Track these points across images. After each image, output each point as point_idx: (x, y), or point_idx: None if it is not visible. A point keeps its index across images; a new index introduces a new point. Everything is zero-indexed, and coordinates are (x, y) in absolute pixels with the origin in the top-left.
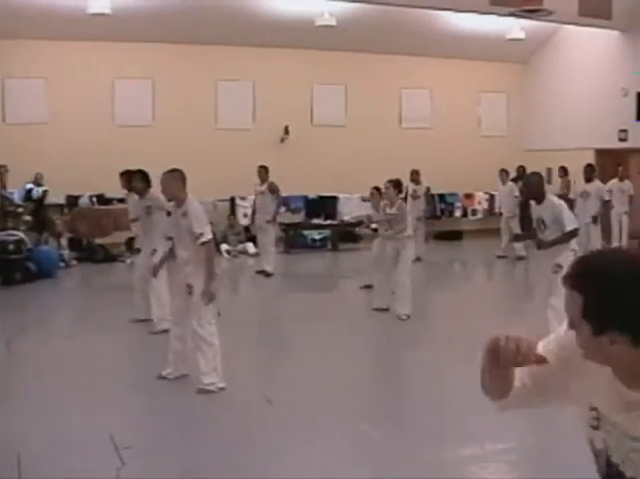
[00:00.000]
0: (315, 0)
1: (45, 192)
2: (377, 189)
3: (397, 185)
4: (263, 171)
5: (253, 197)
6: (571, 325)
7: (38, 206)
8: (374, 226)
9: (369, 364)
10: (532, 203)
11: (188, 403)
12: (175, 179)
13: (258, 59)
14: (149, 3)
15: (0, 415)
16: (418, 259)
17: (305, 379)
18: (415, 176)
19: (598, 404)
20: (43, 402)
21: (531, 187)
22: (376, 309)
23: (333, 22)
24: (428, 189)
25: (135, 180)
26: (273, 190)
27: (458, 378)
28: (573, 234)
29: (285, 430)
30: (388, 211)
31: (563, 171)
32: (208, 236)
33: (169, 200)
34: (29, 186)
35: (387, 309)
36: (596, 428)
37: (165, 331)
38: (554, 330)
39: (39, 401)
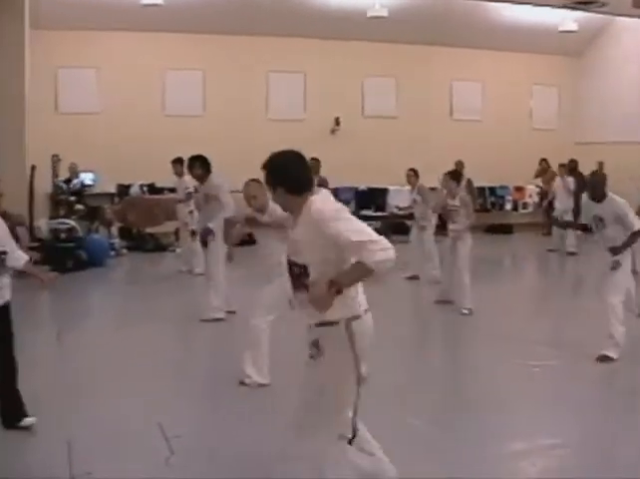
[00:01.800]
0: None
1: (84, 185)
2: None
3: (456, 176)
4: (315, 163)
5: None
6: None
7: (79, 196)
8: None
9: (419, 358)
10: (588, 200)
11: (239, 392)
12: (263, 188)
13: (309, 50)
14: None
15: (50, 403)
16: None
17: None
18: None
19: None
20: (93, 391)
21: (596, 186)
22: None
23: (385, 13)
24: (469, 181)
25: (195, 166)
26: (321, 183)
27: (508, 374)
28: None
29: None
30: (449, 202)
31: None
32: None
33: (259, 210)
34: (63, 178)
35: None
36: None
37: (218, 320)
38: (615, 330)
39: (89, 390)
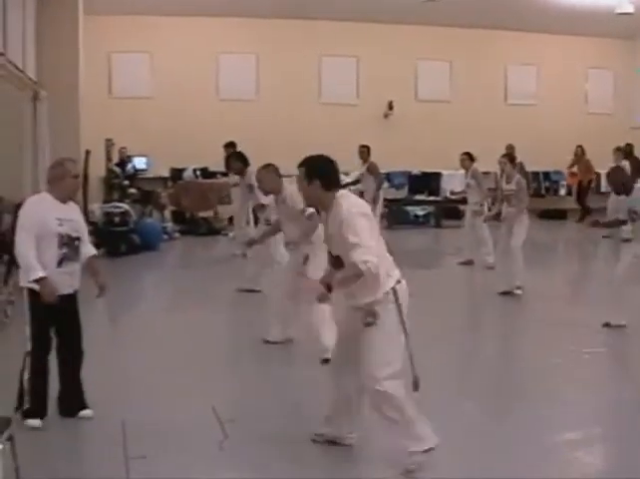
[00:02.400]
0: None
1: (137, 169)
2: (507, 155)
3: (512, 159)
4: (365, 150)
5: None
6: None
7: (132, 180)
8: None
9: (471, 344)
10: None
11: (291, 374)
12: (270, 172)
13: (362, 34)
14: None
15: (105, 386)
16: None
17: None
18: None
19: None
20: (146, 375)
21: (617, 185)
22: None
23: None
24: (521, 164)
25: (232, 161)
26: (372, 170)
27: (560, 361)
28: None
29: None
30: (505, 186)
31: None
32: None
33: (267, 192)
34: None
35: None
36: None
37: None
38: None
39: (142, 374)
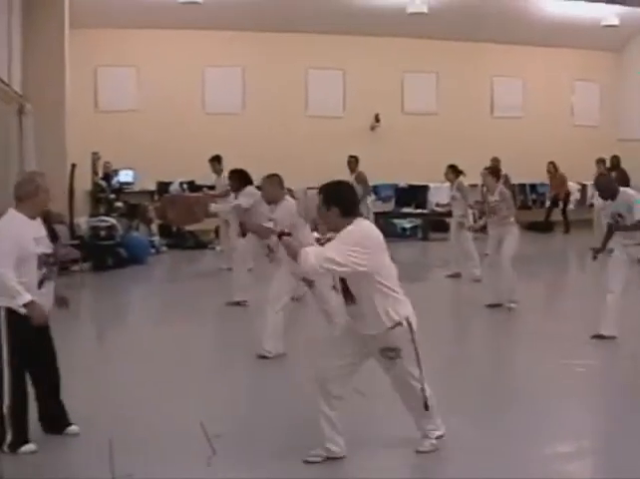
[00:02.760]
0: None
1: (123, 182)
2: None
3: (495, 172)
4: (353, 160)
5: None
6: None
7: (119, 194)
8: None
9: (461, 356)
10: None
11: (281, 388)
12: (273, 183)
13: (349, 47)
14: None
15: (92, 401)
16: None
17: None
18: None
19: None
20: (133, 390)
21: (603, 190)
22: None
23: (425, 9)
24: (506, 176)
25: (231, 179)
26: (361, 180)
27: (552, 374)
28: None
29: (371, 420)
30: (490, 198)
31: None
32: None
33: (270, 202)
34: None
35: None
36: None
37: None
38: None
39: (130, 388)
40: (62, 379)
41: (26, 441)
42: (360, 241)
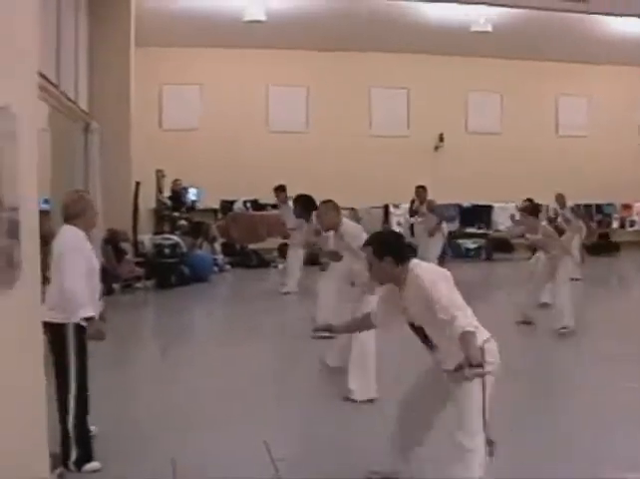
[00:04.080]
0: (471, 6)
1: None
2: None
3: (533, 210)
4: (422, 190)
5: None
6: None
7: (186, 212)
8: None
9: (524, 380)
10: None
11: (349, 413)
12: (329, 209)
13: (413, 66)
14: (303, 10)
15: (154, 422)
16: None
17: None
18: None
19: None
20: (197, 409)
21: None
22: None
23: (489, 28)
24: (573, 208)
25: (296, 207)
26: (432, 208)
27: (613, 397)
28: None
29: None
30: (532, 237)
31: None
32: None
33: (327, 229)
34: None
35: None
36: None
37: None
38: None
39: (193, 408)
40: (125, 398)
41: (90, 459)
42: (443, 278)
